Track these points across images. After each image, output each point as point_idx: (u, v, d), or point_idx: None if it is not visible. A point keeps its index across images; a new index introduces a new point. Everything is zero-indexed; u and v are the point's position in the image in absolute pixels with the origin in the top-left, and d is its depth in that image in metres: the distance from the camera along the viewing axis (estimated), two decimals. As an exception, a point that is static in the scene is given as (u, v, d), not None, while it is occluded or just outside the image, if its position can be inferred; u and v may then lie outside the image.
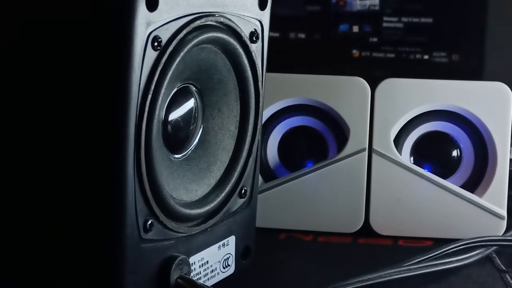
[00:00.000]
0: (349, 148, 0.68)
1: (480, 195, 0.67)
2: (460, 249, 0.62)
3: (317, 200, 0.68)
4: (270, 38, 1.10)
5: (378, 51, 1.05)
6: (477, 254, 0.62)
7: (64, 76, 0.46)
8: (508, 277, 0.59)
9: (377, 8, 1.05)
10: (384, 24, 1.05)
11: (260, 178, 0.70)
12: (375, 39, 1.05)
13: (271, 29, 1.06)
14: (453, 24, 1.03)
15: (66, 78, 0.46)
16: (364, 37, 1.05)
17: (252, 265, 0.58)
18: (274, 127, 0.70)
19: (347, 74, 1.03)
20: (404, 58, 1.04)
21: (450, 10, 1.03)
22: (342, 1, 1.06)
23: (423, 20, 1.04)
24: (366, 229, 0.68)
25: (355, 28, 1.06)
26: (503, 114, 0.66)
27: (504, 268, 0.61)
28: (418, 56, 1.04)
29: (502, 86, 0.67)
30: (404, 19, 1.04)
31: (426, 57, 1.04)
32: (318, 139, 0.70)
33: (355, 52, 1.06)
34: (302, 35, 1.06)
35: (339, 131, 0.69)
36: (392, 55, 1.05)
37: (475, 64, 1.02)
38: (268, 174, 0.70)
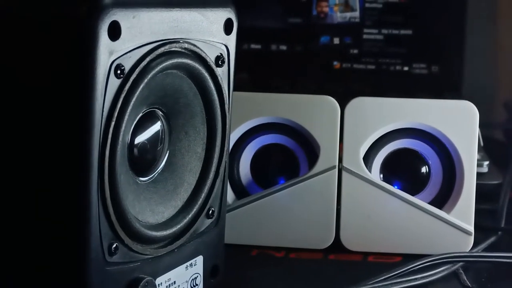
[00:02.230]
0: (319, 166, 0.69)
1: (448, 211, 0.68)
2: (427, 265, 0.63)
3: (289, 216, 0.69)
4: (251, 50, 1.11)
5: (359, 63, 1.07)
6: (443, 270, 0.63)
7: (27, 104, 0.47)
8: (473, 293, 0.61)
9: (357, 20, 1.06)
10: (365, 36, 1.06)
11: (232, 195, 0.71)
12: (355, 51, 1.07)
13: (253, 41, 1.07)
14: (432, 36, 1.04)
15: (29, 106, 0.47)
16: (345, 48, 1.06)
17: (223, 282, 0.60)
18: (247, 145, 0.71)
19: (328, 85, 1.04)
20: (384, 70, 1.06)
21: (429, 22, 1.04)
22: (323, 13, 1.07)
23: (403, 32, 1.05)
24: (337, 245, 0.69)
25: (336, 40, 1.07)
26: (470, 132, 0.67)
27: (469, 285, 0.62)
28: (398, 67, 1.06)
29: (468, 105, 0.68)
30: (384, 31, 1.06)
31: (406, 68, 1.05)
32: (289, 156, 0.71)
33: (336, 64, 1.07)
34: (284, 47, 1.07)
35: (310, 149, 0.70)
36: (373, 67, 1.06)
37: (454, 75, 1.04)
38: (241, 191, 0.71)
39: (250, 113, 0.70)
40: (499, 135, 1.06)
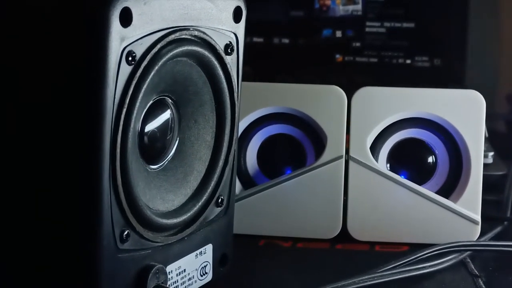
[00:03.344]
0: (326, 156, 0.69)
1: (455, 200, 0.68)
2: (434, 254, 0.63)
3: (296, 206, 0.69)
4: (254, 43, 1.11)
5: (361, 56, 1.07)
6: (451, 259, 0.63)
7: (40, 91, 0.47)
8: (481, 282, 0.61)
9: (360, 13, 1.06)
10: (367, 29, 1.06)
11: (239, 185, 0.71)
12: (358, 44, 1.07)
13: (256, 34, 1.07)
14: (435, 28, 1.04)
15: (42, 94, 0.47)
16: (347, 41, 1.06)
17: (230, 272, 0.60)
18: (253, 135, 0.71)
19: (330, 78, 1.04)
20: (386, 63, 1.06)
21: (432, 15, 1.04)
22: (325, 6, 1.07)
23: (405, 25, 1.05)
24: (344, 235, 0.69)
25: (338, 33, 1.07)
26: (477, 121, 0.68)
27: (477, 273, 0.62)
28: (400, 60, 1.06)
29: (475, 94, 0.68)
30: (387, 24, 1.06)
31: (408, 61, 1.05)
32: (296, 146, 0.71)
33: (338, 57, 1.07)
34: (286, 40, 1.08)
35: (317, 139, 0.70)
36: (375, 60, 1.06)
37: (457, 68, 1.04)
38: (248, 181, 0.71)
39: (257, 103, 0.70)
40: (502, 127, 1.06)
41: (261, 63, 1.05)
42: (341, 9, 1.07)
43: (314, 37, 1.07)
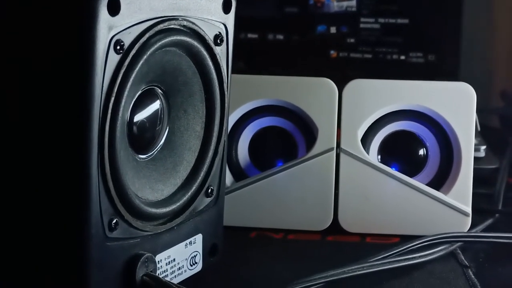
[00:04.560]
0: (317, 148, 0.69)
1: (446, 192, 0.68)
2: (425, 245, 0.64)
3: (287, 198, 0.69)
4: (248, 39, 1.11)
5: (356, 52, 1.07)
6: (441, 250, 0.64)
7: (28, 80, 0.47)
8: (470, 272, 0.61)
9: (354, 9, 1.06)
10: (361, 25, 1.07)
11: (231, 177, 0.71)
12: (352, 40, 1.07)
13: (250, 30, 1.08)
14: (429, 25, 1.04)
15: (28, 81, 0.47)
16: (342, 38, 1.07)
17: (221, 262, 0.60)
18: (245, 128, 0.71)
19: (325, 74, 1.04)
20: (381, 59, 1.06)
21: (426, 11, 1.04)
22: (320, 2, 1.07)
23: (399, 21, 1.05)
24: (335, 226, 0.69)
25: (333, 29, 1.07)
26: (467, 113, 0.68)
27: (467, 264, 0.62)
28: (395, 56, 1.06)
29: (466, 86, 0.68)
30: (381, 20, 1.06)
31: (402, 57, 1.06)
32: (287, 139, 0.71)
33: (333, 53, 1.07)
34: (280, 36, 1.08)
35: (308, 131, 0.70)
36: (369, 56, 1.07)
37: (451, 64, 1.04)
38: (239, 173, 0.72)
39: (248, 95, 0.70)
40: (495, 122, 1.06)
41: (255, 59, 1.06)
42: (336, 5, 1.07)
43: (308, 33, 1.07)
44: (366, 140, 0.69)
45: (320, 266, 0.59)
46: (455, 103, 0.68)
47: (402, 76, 1.04)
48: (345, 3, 1.07)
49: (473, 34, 1.09)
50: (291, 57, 1.07)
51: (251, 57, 1.05)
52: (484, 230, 0.69)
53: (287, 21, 1.07)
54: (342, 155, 0.69)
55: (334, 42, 1.07)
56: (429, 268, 0.62)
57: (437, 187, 0.69)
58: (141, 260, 0.51)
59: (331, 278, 0.57)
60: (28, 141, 0.48)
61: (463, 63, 1.04)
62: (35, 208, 0.48)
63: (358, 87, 0.69)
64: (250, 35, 1.07)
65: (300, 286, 0.55)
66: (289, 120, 0.71)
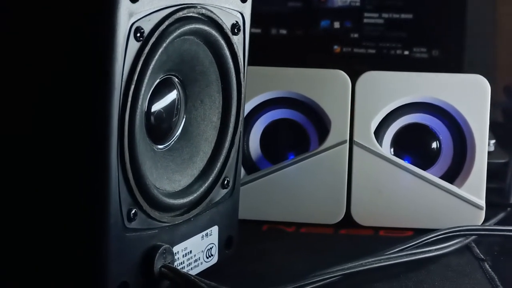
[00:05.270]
0: (330, 140, 0.68)
1: (459, 185, 0.68)
2: (440, 238, 0.63)
3: (299, 191, 0.69)
4: (251, 34, 1.11)
5: (359, 47, 1.06)
6: (456, 243, 0.63)
7: (48, 66, 0.46)
8: (487, 265, 0.60)
9: (358, 4, 1.06)
10: (365, 20, 1.06)
11: (242, 170, 0.70)
12: (356, 35, 1.06)
13: (253, 25, 1.07)
14: (433, 20, 1.04)
15: (50, 69, 0.46)
16: (345, 33, 1.06)
17: (235, 255, 0.59)
18: (256, 120, 0.71)
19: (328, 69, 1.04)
20: (384, 54, 1.05)
21: (430, 6, 1.04)
22: (323, -3, 1.07)
23: (403, 16, 1.05)
24: (348, 220, 0.69)
25: (336, 24, 1.07)
26: (481, 106, 0.67)
27: (482, 257, 0.62)
28: (398, 51, 1.05)
29: (480, 79, 0.68)
30: (385, 15, 1.05)
31: (406, 52, 1.05)
32: (299, 131, 0.70)
33: (336, 48, 1.07)
34: (284, 31, 1.07)
35: (321, 124, 0.69)
36: (373, 51, 1.06)
37: (455, 60, 1.04)
38: (251, 166, 0.71)
39: (260, 87, 0.70)
40: (502, 116, 1.06)
41: (258, 54, 1.05)
42: (339, 0, 1.07)
43: (312, 28, 1.06)
44: (379, 132, 0.69)
45: (334, 259, 0.59)
46: (469, 96, 0.67)
47: (406, 71, 1.04)
48: (348, -2, 1.07)
49: (477, 29, 1.08)
50: (294, 52, 1.06)
51: (254, 51, 1.04)
52: (497, 224, 0.69)
53: (291, 16, 1.06)
54: (355, 148, 0.68)
55: (337, 37, 1.06)
56: (445, 261, 0.61)
57: (451, 180, 0.68)
58: (159, 251, 0.50)
59: (348, 271, 0.56)
60: (48, 130, 0.47)
61: (467, 58, 1.03)
62: (54, 198, 0.47)
63: (371, 79, 0.68)
64: (253, 30, 1.06)
65: (317, 279, 0.55)
66: (301, 113, 0.70)
